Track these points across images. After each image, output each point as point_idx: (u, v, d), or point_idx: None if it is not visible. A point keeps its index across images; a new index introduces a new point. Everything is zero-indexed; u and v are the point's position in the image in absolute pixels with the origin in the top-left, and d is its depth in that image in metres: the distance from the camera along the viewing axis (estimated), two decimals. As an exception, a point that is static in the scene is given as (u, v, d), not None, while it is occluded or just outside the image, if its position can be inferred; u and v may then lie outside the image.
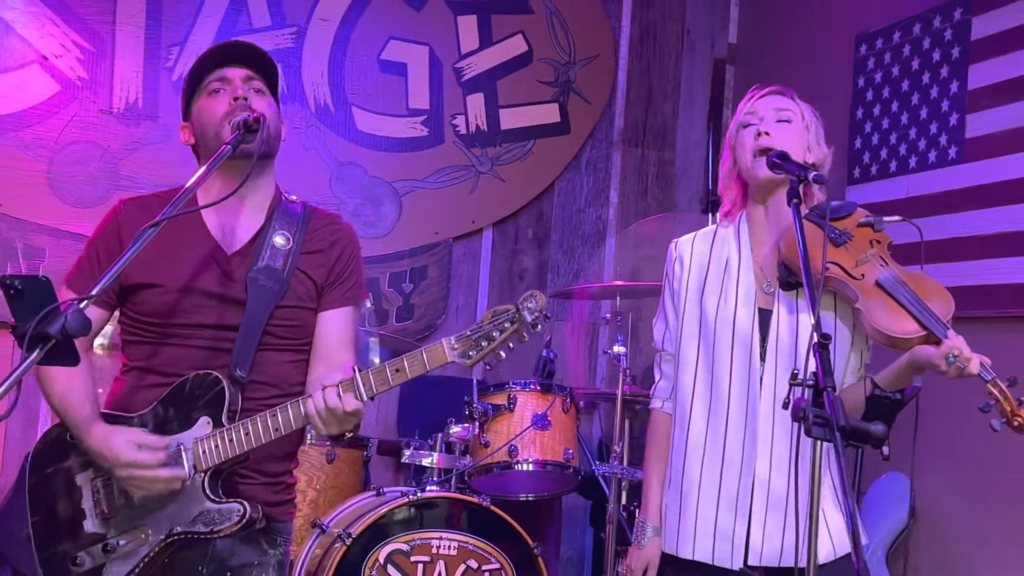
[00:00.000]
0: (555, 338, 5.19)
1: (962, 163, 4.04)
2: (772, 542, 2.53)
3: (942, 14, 4.23)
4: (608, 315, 4.32)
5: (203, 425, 2.39)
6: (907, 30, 4.42)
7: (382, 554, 3.53)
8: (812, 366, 2.12)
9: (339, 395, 2.27)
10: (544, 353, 4.08)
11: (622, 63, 5.63)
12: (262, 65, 2.58)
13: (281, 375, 2.52)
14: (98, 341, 3.46)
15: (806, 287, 2.32)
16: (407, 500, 3.58)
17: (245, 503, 2.37)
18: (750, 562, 2.52)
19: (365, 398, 2.29)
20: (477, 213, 5.32)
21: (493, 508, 3.64)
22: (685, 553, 2.59)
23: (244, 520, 2.36)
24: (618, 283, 4.35)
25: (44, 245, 4.67)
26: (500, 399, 3.92)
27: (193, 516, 2.37)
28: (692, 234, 2.80)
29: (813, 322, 2.16)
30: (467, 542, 3.60)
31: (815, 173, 2.48)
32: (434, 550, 3.58)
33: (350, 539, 3.48)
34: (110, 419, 2.46)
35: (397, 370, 2.28)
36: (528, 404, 3.92)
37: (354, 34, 5.16)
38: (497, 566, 3.62)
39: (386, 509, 3.55)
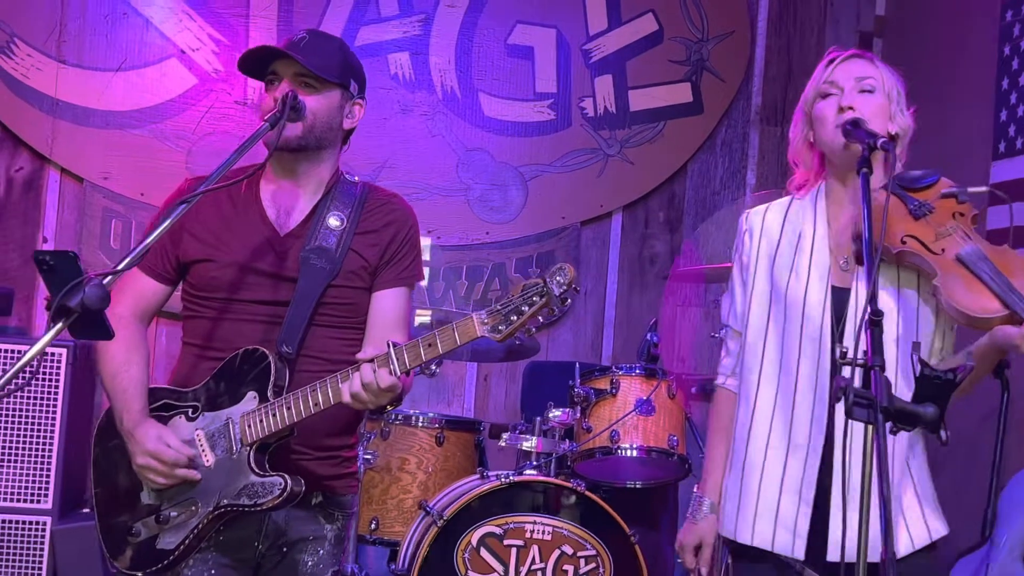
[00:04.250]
0: (676, 322, 5.06)
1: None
2: (853, 538, 2.38)
3: (1091, -29, 3.90)
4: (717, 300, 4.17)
5: (250, 400, 2.44)
6: (1055, -9, 4.09)
7: (474, 537, 3.50)
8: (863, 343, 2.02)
9: (374, 370, 2.31)
10: (648, 336, 3.96)
11: (760, 39, 5.42)
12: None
13: (331, 352, 2.56)
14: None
15: (865, 259, 2.20)
16: (500, 483, 3.54)
17: (287, 477, 2.40)
18: (828, 556, 2.38)
19: (399, 373, 2.32)
20: (606, 197, 5.23)
21: (588, 493, 3.56)
22: (744, 538, 2.46)
23: (286, 493, 2.39)
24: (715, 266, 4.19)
25: (182, 234, 4.84)
26: (603, 384, 3.84)
27: (239, 489, 2.42)
28: (764, 205, 2.65)
29: (868, 296, 2.04)
30: (562, 527, 3.54)
31: (883, 140, 2.33)
32: (528, 534, 3.53)
33: (442, 521, 3.47)
34: (168, 394, 2.54)
35: (430, 345, 2.29)
36: (632, 389, 3.82)
37: (481, 19, 5.16)
38: (593, 552, 3.54)
39: (478, 491, 3.52)
